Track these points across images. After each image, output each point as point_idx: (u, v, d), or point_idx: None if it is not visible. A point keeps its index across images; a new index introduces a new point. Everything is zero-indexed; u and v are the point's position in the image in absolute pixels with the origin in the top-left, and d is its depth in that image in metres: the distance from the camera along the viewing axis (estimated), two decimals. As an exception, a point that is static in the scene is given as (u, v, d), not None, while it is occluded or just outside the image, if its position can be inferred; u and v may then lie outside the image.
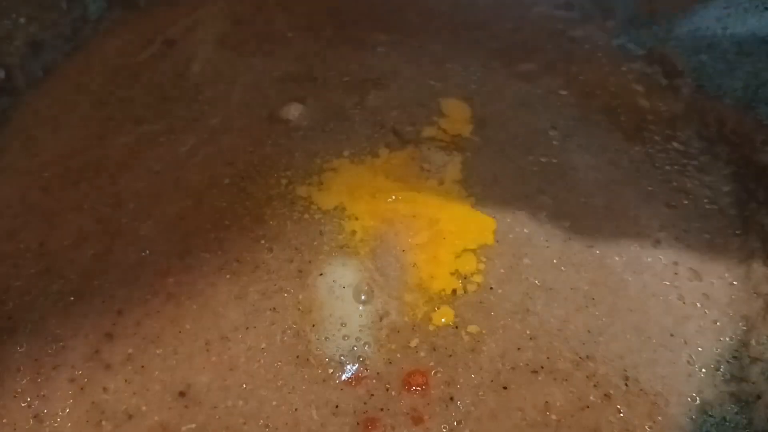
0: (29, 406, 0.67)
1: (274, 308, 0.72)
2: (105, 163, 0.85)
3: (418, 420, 0.65)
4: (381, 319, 0.71)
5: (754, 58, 0.89)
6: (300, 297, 0.72)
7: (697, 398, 0.67)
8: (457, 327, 0.70)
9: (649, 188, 0.83)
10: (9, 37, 0.93)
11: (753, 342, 0.70)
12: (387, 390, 0.67)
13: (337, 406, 0.66)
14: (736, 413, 0.66)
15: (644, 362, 0.69)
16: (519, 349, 0.69)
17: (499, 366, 0.68)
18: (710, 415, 0.66)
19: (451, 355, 0.68)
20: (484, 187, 0.81)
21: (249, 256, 0.75)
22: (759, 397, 0.66)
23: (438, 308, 0.71)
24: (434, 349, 0.69)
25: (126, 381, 0.68)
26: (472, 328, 0.70)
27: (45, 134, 0.89)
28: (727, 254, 0.77)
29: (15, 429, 0.66)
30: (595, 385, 0.67)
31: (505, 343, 0.69)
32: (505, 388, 0.67)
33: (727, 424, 0.66)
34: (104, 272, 0.76)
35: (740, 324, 0.72)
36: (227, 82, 0.93)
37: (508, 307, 0.72)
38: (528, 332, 0.70)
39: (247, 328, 0.70)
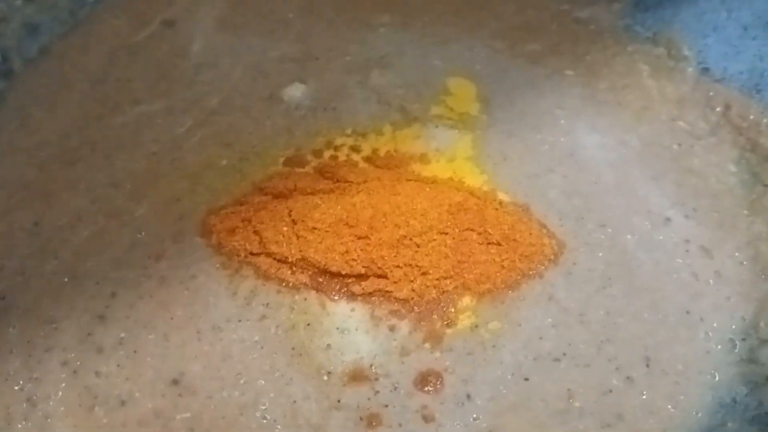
0: (22, 389, 0.65)
1: (267, 303, 0.69)
2: (102, 144, 0.83)
3: (429, 418, 0.63)
4: (384, 317, 0.68)
5: (759, 41, 0.89)
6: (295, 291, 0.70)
7: (716, 375, 0.65)
8: (477, 326, 0.68)
9: (658, 167, 0.81)
10: (5, 19, 0.92)
11: (762, 324, 0.69)
12: (395, 388, 0.64)
13: (339, 401, 0.64)
14: (746, 395, 0.65)
15: (663, 341, 0.67)
16: (541, 338, 0.67)
17: (520, 358, 0.66)
18: (722, 397, 0.65)
19: (469, 354, 0.66)
20: (495, 165, 0.79)
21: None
22: (769, 378, 0.65)
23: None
24: (451, 350, 0.66)
25: (119, 366, 0.66)
26: (493, 325, 0.68)
27: (42, 114, 0.87)
28: (736, 234, 0.76)
29: (9, 412, 0.64)
30: (617, 369, 0.66)
31: (528, 334, 0.67)
32: (526, 379, 0.65)
33: (737, 405, 0.64)
34: (99, 253, 0.74)
35: (751, 304, 0.71)
36: (227, 62, 0.91)
37: (529, 298, 0.69)
38: (549, 320, 0.68)
39: (240, 320, 0.68)
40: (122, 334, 0.68)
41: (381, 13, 0.96)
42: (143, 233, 0.75)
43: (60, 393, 0.65)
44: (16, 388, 0.65)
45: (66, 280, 0.72)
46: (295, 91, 0.86)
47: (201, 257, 0.73)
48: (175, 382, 0.65)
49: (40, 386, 0.65)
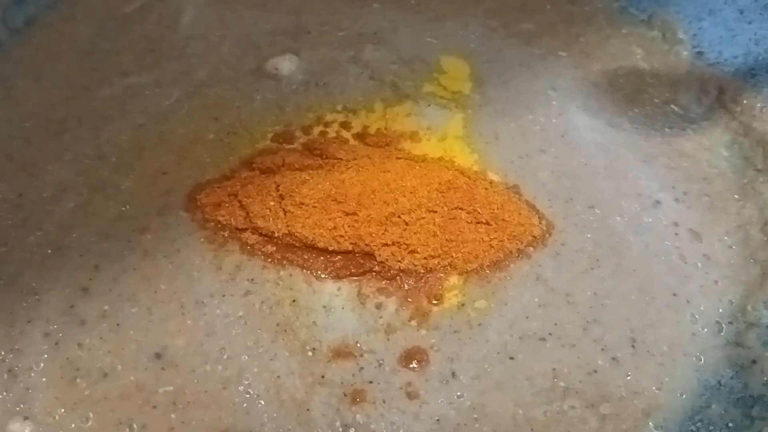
0: (3, 360, 0.64)
1: (252, 279, 0.69)
2: (88, 115, 0.82)
3: (413, 395, 0.63)
4: (372, 294, 0.68)
5: (755, 25, 0.88)
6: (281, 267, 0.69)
7: (702, 358, 0.65)
8: (463, 304, 0.67)
9: (649, 150, 0.81)
10: (-9, -12, 0.90)
11: (749, 308, 0.69)
12: (380, 365, 0.64)
13: (323, 377, 0.63)
14: (731, 378, 0.65)
15: (650, 323, 0.67)
16: (527, 318, 0.67)
17: (506, 337, 0.66)
18: (707, 380, 0.65)
19: (455, 332, 0.66)
20: (486, 144, 0.79)
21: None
22: (754, 361, 0.65)
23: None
24: (437, 327, 0.66)
25: (101, 338, 0.66)
26: (480, 304, 0.68)
27: (27, 84, 0.85)
28: (726, 218, 0.76)
29: (-12, 382, 0.63)
30: (603, 349, 0.65)
31: (514, 313, 0.67)
32: (511, 358, 0.65)
33: (722, 388, 0.64)
34: (83, 225, 0.73)
35: (738, 288, 0.71)
36: (216, 35, 0.90)
37: (516, 278, 0.69)
38: (536, 300, 0.68)
39: (224, 295, 0.68)
40: (105, 307, 0.67)
41: (375, -12, 0.95)
42: (128, 206, 0.74)
43: (42, 364, 0.64)
44: (-3, 359, 0.64)
45: (49, 252, 0.71)
46: (286, 64, 0.85)
47: (186, 231, 0.72)
48: (158, 355, 0.65)
49: (22, 357, 0.64)
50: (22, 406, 0.62)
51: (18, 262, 0.70)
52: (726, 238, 0.74)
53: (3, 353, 0.65)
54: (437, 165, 0.76)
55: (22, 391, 0.63)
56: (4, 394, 0.62)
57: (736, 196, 0.77)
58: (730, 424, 0.61)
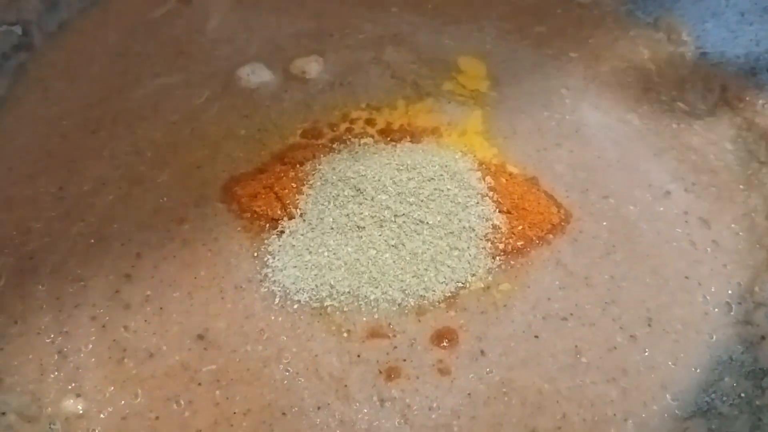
0: (53, 342, 0.68)
1: None
2: (123, 114, 0.86)
3: (445, 371, 0.66)
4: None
5: (756, 26, 0.92)
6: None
7: (714, 335, 0.69)
8: (489, 287, 0.71)
9: (659, 144, 0.85)
10: (25, -7, 0.94)
11: (757, 289, 0.73)
12: (412, 345, 0.68)
13: (358, 355, 0.67)
14: (742, 353, 0.69)
15: (664, 304, 0.71)
16: (549, 299, 0.71)
17: (530, 318, 0.70)
18: (719, 355, 0.69)
19: (482, 313, 0.70)
20: (505, 139, 0.83)
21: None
22: (763, 338, 0.69)
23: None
24: (465, 309, 0.70)
25: (146, 321, 0.69)
26: (504, 287, 0.71)
27: (63, 85, 0.89)
28: (733, 207, 0.80)
29: (41, 363, 0.66)
30: (621, 328, 0.69)
31: (537, 295, 0.71)
32: (536, 336, 0.68)
33: (734, 362, 0.68)
34: (123, 217, 0.76)
35: (746, 271, 0.75)
36: (243, 38, 0.94)
37: (537, 263, 0.73)
38: (557, 283, 0.72)
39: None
40: (148, 292, 0.71)
41: (393, -7, 1.00)
42: (165, 198, 0.78)
43: (90, 346, 0.67)
44: (48, 341, 0.67)
45: (92, 241, 0.74)
46: (311, 66, 0.89)
47: (223, 221, 0.76)
48: (200, 337, 0.68)
49: (71, 340, 0.68)
50: (73, 384, 0.65)
51: (63, 251, 0.73)
52: (733, 225, 0.78)
53: (53, 336, 0.68)
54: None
55: (72, 371, 0.66)
56: (56, 373, 0.66)
57: (742, 187, 0.82)
58: (743, 395, 0.65)
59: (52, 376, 0.65)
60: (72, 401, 0.64)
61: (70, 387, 0.65)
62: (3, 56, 0.90)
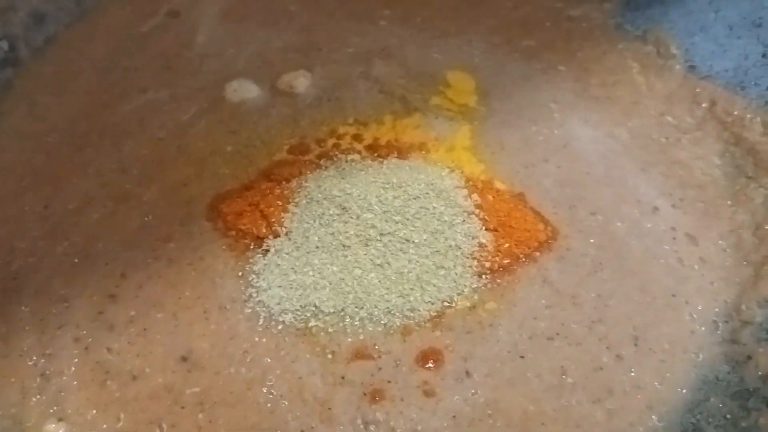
0: (35, 365, 0.67)
1: None
2: (109, 129, 0.85)
3: (430, 393, 0.66)
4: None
5: (744, 40, 0.92)
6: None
7: (700, 354, 0.69)
8: (475, 306, 0.71)
9: (647, 159, 0.85)
10: (12, 8, 0.93)
11: (744, 307, 0.73)
12: (397, 365, 0.67)
13: (343, 377, 0.66)
14: (728, 372, 0.68)
15: (651, 322, 0.71)
16: (535, 318, 0.70)
17: (516, 337, 0.69)
18: (705, 375, 0.68)
19: (468, 332, 0.69)
20: (492, 155, 0.83)
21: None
22: (749, 357, 0.69)
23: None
24: (451, 329, 0.69)
25: (129, 342, 0.69)
26: (490, 306, 0.71)
27: (49, 100, 0.89)
28: (720, 222, 0.80)
29: (23, 386, 0.66)
30: (607, 347, 0.69)
31: (523, 314, 0.71)
32: (522, 357, 0.68)
33: (720, 382, 0.68)
34: (108, 235, 0.76)
35: (733, 289, 0.74)
36: (231, 53, 0.94)
37: (524, 281, 0.73)
38: (543, 302, 0.72)
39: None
40: (132, 313, 0.70)
41: (381, 7, 0.99)
42: (151, 216, 0.77)
43: (73, 368, 0.67)
44: (30, 363, 0.67)
45: (77, 260, 0.74)
46: (299, 80, 0.89)
47: (208, 239, 0.75)
48: (184, 358, 0.68)
49: (54, 361, 0.67)
50: (55, 408, 0.64)
51: (47, 271, 0.73)
52: (720, 241, 0.78)
53: (35, 358, 0.67)
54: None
55: (55, 394, 0.65)
56: (39, 396, 0.65)
57: (729, 202, 0.81)
58: (728, 416, 0.65)
59: (35, 399, 0.65)
60: (54, 425, 0.63)
61: (52, 410, 0.64)
62: (-12, 72, 0.90)
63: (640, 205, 0.80)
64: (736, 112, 0.88)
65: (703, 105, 0.90)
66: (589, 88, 0.92)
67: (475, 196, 0.76)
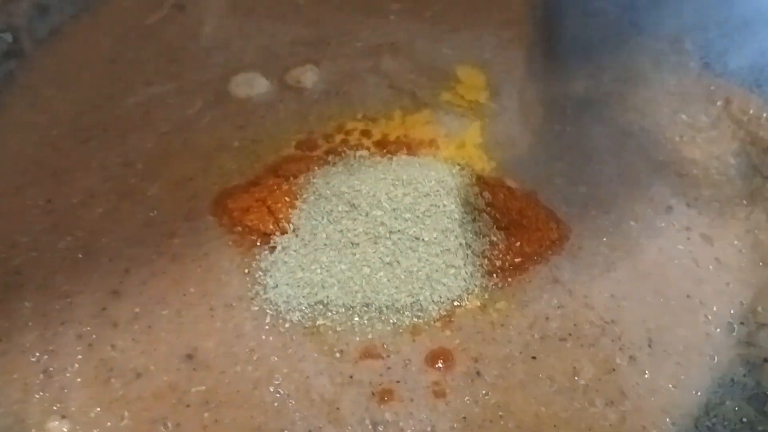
0: (38, 361, 0.66)
1: None
2: (114, 123, 0.84)
3: (440, 393, 0.64)
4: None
5: (760, 37, 0.91)
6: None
7: (716, 357, 0.68)
8: (485, 306, 0.70)
9: (660, 158, 0.83)
10: (16, -1, 0.92)
11: (760, 308, 0.71)
12: (406, 365, 0.66)
13: (351, 377, 0.65)
14: (744, 375, 0.67)
15: (665, 324, 0.69)
16: (547, 319, 0.69)
17: (527, 338, 0.68)
18: (720, 378, 0.67)
19: (479, 332, 0.68)
20: (504, 152, 0.81)
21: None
22: (766, 360, 0.68)
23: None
24: (461, 328, 0.68)
25: (133, 340, 0.67)
26: (501, 305, 0.70)
27: (53, 93, 0.87)
28: (735, 223, 0.78)
29: (26, 383, 0.64)
30: (620, 349, 0.68)
31: (534, 314, 0.69)
32: (533, 358, 0.67)
33: (736, 385, 0.67)
34: (112, 231, 0.75)
35: (749, 290, 0.73)
36: (238, 45, 0.92)
37: (535, 280, 0.71)
38: (555, 302, 0.70)
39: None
40: (136, 310, 0.69)
41: (390, 0, 0.98)
42: (156, 212, 0.76)
43: (76, 365, 0.66)
44: (32, 359, 0.66)
45: (80, 256, 0.73)
46: (307, 75, 0.88)
47: (214, 236, 0.74)
48: (189, 356, 0.66)
49: (57, 358, 0.66)
50: (58, 405, 0.63)
51: (49, 267, 0.72)
52: (736, 242, 0.76)
53: (38, 354, 0.66)
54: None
55: (57, 391, 0.64)
56: (41, 393, 0.64)
57: (745, 202, 0.80)
58: (744, 420, 0.64)
59: (37, 396, 0.64)
60: (57, 423, 0.62)
61: (54, 408, 0.63)
62: (-8, 63, 0.88)
63: (653, 204, 0.78)
64: (752, 111, 0.87)
65: (718, 103, 0.89)
66: (602, 86, 0.90)
67: (486, 194, 0.75)
